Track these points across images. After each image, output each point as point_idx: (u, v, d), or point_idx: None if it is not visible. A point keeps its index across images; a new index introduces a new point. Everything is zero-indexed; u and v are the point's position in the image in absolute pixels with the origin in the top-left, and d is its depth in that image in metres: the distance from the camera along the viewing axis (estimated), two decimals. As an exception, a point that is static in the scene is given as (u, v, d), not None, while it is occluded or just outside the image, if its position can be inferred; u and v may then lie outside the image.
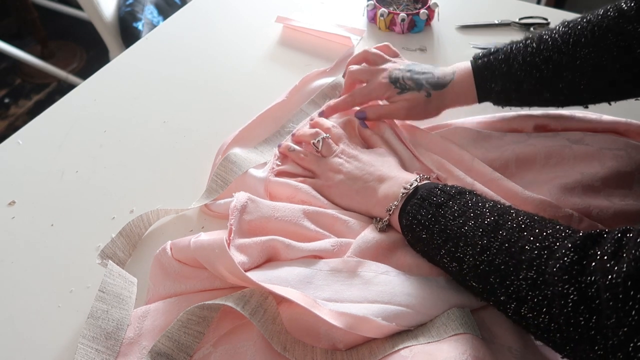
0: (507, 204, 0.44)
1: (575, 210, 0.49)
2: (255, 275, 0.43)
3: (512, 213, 0.41)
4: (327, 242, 0.48)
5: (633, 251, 0.30)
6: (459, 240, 0.41)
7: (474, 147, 0.57)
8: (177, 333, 0.42)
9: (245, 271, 0.42)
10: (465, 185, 0.52)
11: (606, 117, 0.59)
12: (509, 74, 0.54)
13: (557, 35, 0.53)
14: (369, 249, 0.47)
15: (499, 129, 0.60)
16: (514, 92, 0.55)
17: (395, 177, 0.51)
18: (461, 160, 0.55)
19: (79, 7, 1.44)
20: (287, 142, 0.60)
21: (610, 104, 0.55)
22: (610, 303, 0.30)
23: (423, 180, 0.49)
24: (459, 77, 0.57)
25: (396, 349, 0.40)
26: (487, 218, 0.41)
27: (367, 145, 0.60)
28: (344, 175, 0.54)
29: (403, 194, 0.47)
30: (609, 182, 0.51)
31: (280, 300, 0.43)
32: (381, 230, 0.49)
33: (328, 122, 0.60)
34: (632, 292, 0.29)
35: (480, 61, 0.56)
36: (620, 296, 0.30)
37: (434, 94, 0.57)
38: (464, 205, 0.43)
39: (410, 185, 0.48)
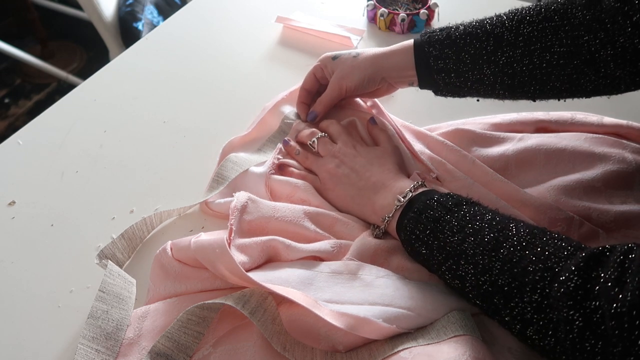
0: (507, 214, 0.43)
1: (576, 212, 0.49)
2: (256, 276, 0.42)
3: (512, 228, 0.40)
4: (327, 244, 0.48)
5: (636, 278, 0.30)
6: (459, 258, 0.41)
7: (474, 148, 0.57)
8: (176, 333, 0.41)
9: (246, 271, 0.42)
10: (465, 185, 0.52)
11: (607, 120, 0.59)
12: (448, 40, 0.52)
13: (503, 14, 0.51)
14: (367, 251, 0.47)
15: (500, 130, 0.60)
16: (453, 62, 0.52)
17: (390, 186, 0.50)
18: (461, 161, 0.55)
19: (79, 7, 1.44)
20: (292, 142, 0.60)
21: (559, 100, 0.53)
22: (616, 332, 0.30)
23: (418, 189, 0.48)
24: (398, 44, 0.57)
25: (396, 350, 0.39)
26: (487, 235, 0.40)
27: (372, 142, 0.59)
28: (339, 178, 0.53)
29: (397, 206, 0.47)
30: (609, 183, 0.51)
31: (280, 301, 0.43)
32: (377, 237, 0.49)
33: (329, 121, 0.60)
34: (637, 322, 0.29)
35: (422, 33, 0.55)
36: (626, 326, 0.30)
37: (363, 54, 0.58)
38: (462, 219, 0.42)
39: (404, 197, 0.47)
